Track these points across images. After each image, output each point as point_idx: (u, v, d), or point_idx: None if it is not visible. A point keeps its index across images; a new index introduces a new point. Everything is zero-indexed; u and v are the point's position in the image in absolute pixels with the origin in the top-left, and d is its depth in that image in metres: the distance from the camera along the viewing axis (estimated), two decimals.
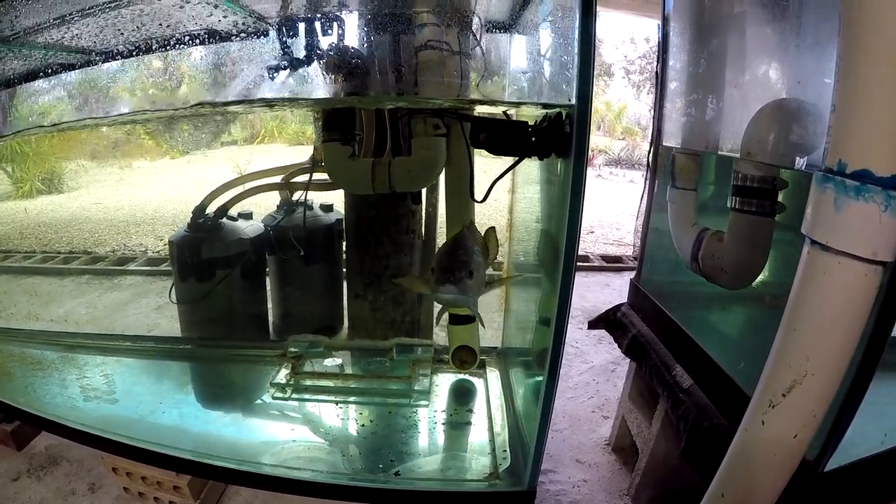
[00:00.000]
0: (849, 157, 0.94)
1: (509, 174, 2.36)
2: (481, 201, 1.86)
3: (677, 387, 1.78)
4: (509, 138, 1.45)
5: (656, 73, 2.19)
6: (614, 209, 8.62)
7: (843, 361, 1.01)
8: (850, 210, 0.93)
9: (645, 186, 5.27)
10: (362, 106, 2.12)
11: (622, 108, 19.64)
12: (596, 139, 16.93)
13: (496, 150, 1.48)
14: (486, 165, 1.97)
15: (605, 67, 21.13)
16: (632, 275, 2.50)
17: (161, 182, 7.42)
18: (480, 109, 1.89)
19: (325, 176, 2.46)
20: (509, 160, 1.54)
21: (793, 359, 1.04)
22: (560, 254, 1.32)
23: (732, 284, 1.73)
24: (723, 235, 1.73)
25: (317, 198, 2.88)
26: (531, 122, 1.51)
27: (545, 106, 1.48)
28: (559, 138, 1.37)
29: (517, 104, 1.84)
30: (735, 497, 1.15)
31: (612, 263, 5.61)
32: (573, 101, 1.21)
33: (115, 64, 1.69)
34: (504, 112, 1.88)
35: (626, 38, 21.66)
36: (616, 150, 15.92)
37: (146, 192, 7.14)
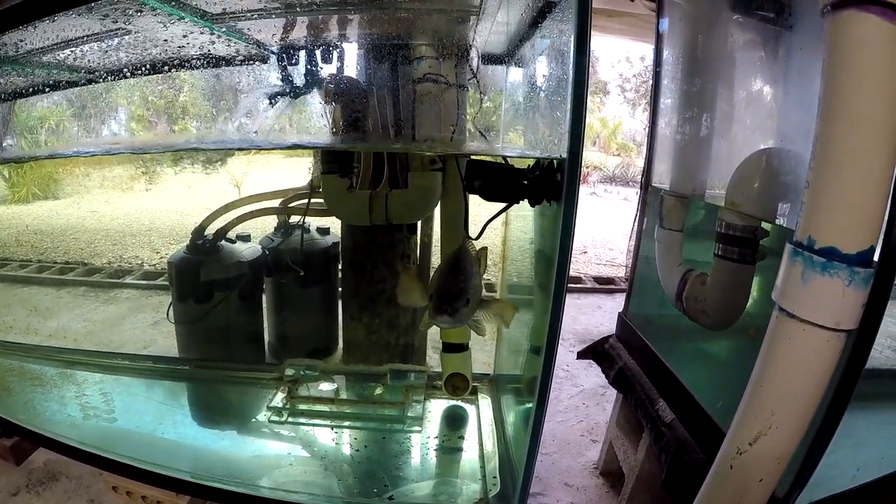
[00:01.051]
0: (818, 233, 1.02)
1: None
2: (475, 238, 1.91)
3: (660, 420, 1.84)
4: (503, 186, 1.52)
5: (651, 95, 2.24)
6: (608, 228, 8.62)
7: (806, 416, 1.09)
8: (816, 284, 1.01)
9: (636, 215, 5.33)
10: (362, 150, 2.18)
11: (617, 125, 19.73)
12: (591, 155, 16.98)
13: (491, 197, 1.55)
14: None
15: (601, 85, 21.25)
16: (623, 297, 2.56)
17: (157, 192, 7.42)
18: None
19: (322, 200, 2.49)
20: None
21: (759, 412, 1.12)
22: (549, 294, 1.37)
23: (713, 326, 1.79)
24: (706, 278, 1.80)
25: (313, 221, 2.92)
26: (525, 166, 1.58)
27: (537, 159, 1.54)
28: (551, 186, 1.43)
29: (509, 157, 1.89)
30: None
31: (604, 285, 5.61)
32: (564, 155, 1.27)
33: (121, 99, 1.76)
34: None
35: (621, 56, 21.84)
36: (611, 166, 15.99)
37: (142, 202, 7.14)
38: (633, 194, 11.21)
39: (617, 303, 5.00)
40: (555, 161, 1.42)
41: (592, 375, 3.61)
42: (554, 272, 1.33)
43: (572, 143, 1.25)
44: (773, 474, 1.15)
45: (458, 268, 1.58)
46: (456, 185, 2.06)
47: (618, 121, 20.09)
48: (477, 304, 1.58)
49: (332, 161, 2.12)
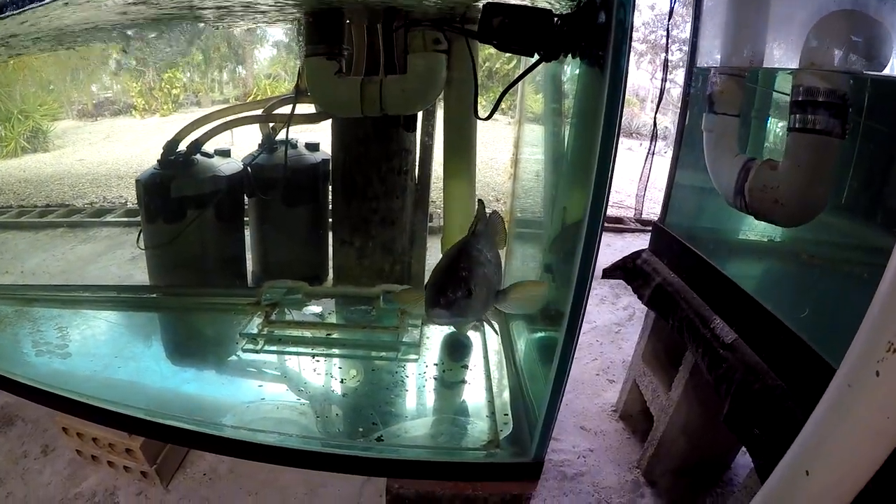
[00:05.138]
0: None
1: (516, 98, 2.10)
2: (486, 118, 1.64)
3: (717, 341, 1.52)
4: (529, 27, 1.17)
5: None
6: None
7: None
8: None
9: (652, 143, 5.17)
10: None
11: None
12: None
13: (511, 42, 1.21)
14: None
15: None
16: (633, 237, 2.27)
17: (149, 139, 7.35)
18: None
19: (310, 108, 2.26)
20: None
21: None
22: (589, 183, 1.09)
23: (790, 219, 1.46)
24: (776, 164, 1.46)
25: (301, 136, 2.67)
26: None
27: None
28: (591, 30, 1.10)
29: None
30: (828, 474, 0.86)
31: (612, 224, 5.38)
32: None
33: None
34: None
35: None
36: None
37: (132, 149, 7.11)
38: (638, 145, 11.26)
39: (626, 241, 4.86)
40: None
41: (605, 312, 3.52)
42: (598, 147, 1.04)
43: None
44: None
45: (464, 254, 1.37)
46: (464, 70, 1.78)
47: None
48: (491, 297, 1.36)
49: (317, 41, 1.82)
